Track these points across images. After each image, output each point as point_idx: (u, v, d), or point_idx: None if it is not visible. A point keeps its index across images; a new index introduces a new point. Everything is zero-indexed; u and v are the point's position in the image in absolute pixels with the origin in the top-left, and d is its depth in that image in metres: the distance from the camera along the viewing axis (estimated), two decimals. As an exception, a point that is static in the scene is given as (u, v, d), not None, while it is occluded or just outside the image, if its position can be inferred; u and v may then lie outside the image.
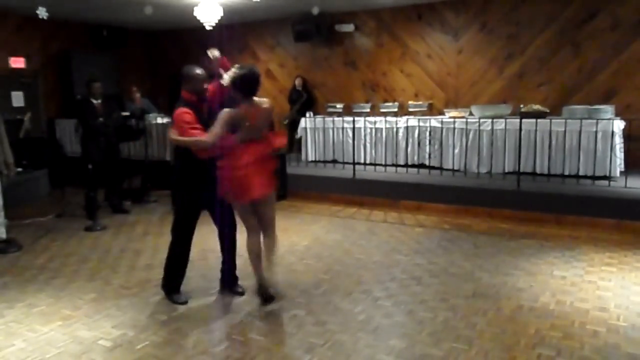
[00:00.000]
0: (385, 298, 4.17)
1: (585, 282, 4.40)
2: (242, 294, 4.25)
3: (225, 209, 4.14)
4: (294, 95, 10.08)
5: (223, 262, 4.32)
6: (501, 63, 8.72)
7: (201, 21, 8.21)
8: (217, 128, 3.67)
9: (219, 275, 4.41)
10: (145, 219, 7.00)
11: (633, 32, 7.71)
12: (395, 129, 8.20)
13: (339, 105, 9.33)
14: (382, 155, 8.37)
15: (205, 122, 3.86)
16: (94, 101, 6.88)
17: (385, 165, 8.20)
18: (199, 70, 4.07)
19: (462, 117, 7.73)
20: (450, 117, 7.82)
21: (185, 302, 4.09)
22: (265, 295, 3.93)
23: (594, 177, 6.68)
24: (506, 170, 7.33)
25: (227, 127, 3.70)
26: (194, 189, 4.05)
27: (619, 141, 6.87)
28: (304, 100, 9.98)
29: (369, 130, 8.39)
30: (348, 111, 9.25)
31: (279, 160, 5.05)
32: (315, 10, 9.40)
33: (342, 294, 4.27)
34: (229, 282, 4.31)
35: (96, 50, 10.92)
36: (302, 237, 5.77)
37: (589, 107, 7.16)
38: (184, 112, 3.87)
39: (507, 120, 7.31)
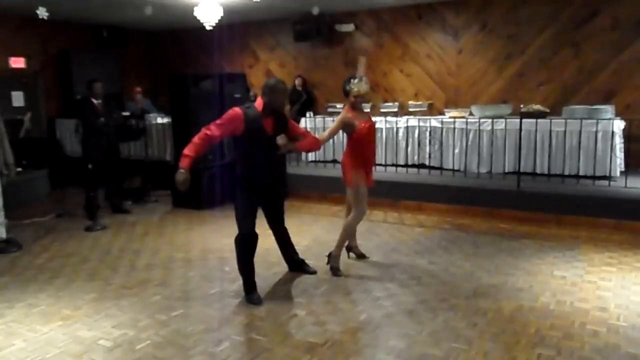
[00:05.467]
0: (385, 298, 4.17)
1: (585, 282, 4.40)
2: (314, 272, 4.70)
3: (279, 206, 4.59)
4: (294, 95, 10.08)
5: (286, 253, 4.73)
6: (501, 63, 8.71)
7: (201, 21, 8.21)
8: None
9: (219, 275, 4.41)
10: (145, 219, 7.00)
11: (633, 32, 7.71)
12: (395, 129, 8.20)
13: (339, 105, 9.30)
14: (382, 155, 8.35)
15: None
16: (95, 101, 6.89)
17: (385, 165, 8.19)
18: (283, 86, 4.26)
19: (462, 117, 7.73)
20: (451, 117, 7.82)
21: (259, 303, 4.09)
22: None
23: (594, 177, 6.67)
24: (506, 170, 7.33)
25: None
26: (253, 186, 4.18)
27: (619, 141, 6.87)
28: (304, 100, 9.98)
29: (369, 130, 8.37)
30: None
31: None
32: (315, 10, 9.40)
33: (342, 294, 4.27)
34: (298, 265, 4.74)
35: (96, 50, 10.92)
36: (302, 237, 5.77)
37: (589, 107, 7.15)
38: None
39: (507, 120, 7.30)
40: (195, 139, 3.97)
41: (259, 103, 4.11)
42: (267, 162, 4.16)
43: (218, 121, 4.01)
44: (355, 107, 4.61)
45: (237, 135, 4.04)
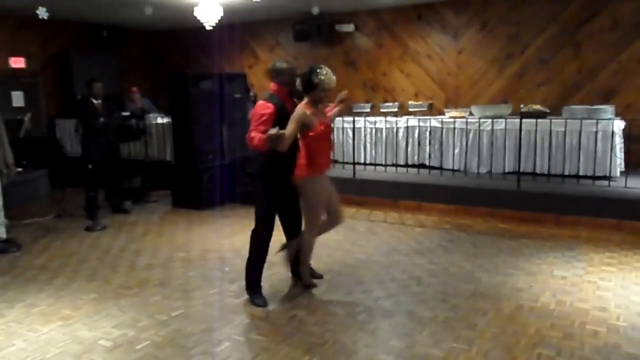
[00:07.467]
0: (385, 298, 4.17)
1: (585, 282, 4.40)
2: (321, 276, 4.54)
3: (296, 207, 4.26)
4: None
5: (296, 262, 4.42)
6: (501, 63, 8.71)
7: (201, 21, 8.21)
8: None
9: (219, 275, 4.40)
10: (145, 219, 7.01)
11: (633, 32, 7.71)
12: (395, 129, 8.19)
13: (339, 105, 9.32)
14: (382, 155, 8.37)
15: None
16: (95, 101, 6.89)
17: (385, 165, 8.19)
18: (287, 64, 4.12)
19: (462, 117, 7.73)
20: (450, 117, 7.82)
21: (265, 305, 4.04)
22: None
23: (594, 177, 6.67)
24: (506, 170, 7.33)
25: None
26: (277, 184, 4.03)
27: (619, 141, 6.87)
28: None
29: (369, 130, 8.39)
30: (348, 111, 9.25)
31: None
32: (315, 10, 9.39)
33: (342, 294, 4.27)
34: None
35: (96, 50, 10.91)
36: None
37: (589, 107, 7.15)
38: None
39: (507, 120, 7.30)
40: (254, 134, 3.82)
41: (280, 90, 4.04)
42: (292, 149, 4.01)
43: (258, 123, 3.83)
44: (321, 101, 4.08)
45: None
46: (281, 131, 3.63)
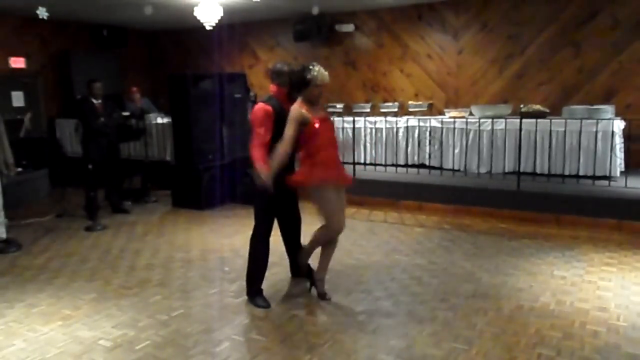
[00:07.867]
0: (385, 298, 4.17)
1: (585, 282, 4.40)
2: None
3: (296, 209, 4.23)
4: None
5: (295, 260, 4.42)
6: (501, 63, 8.71)
7: (201, 21, 8.21)
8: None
9: (219, 275, 4.40)
10: (145, 219, 7.00)
11: (633, 32, 7.70)
12: (395, 129, 8.20)
13: (339, 105, 9.32)
14: (382, 155, 8.37)
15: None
16: (95, 101, 6.89)
17: (385, 165, 8.19)
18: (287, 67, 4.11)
19: (462, 117, 7.73)
20: (450, 117, 7.82)
21: (268, 306, 4.03)
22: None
23: (594, 177, 6.67)
24: (506, 170, 7.33)
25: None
26: (275, 186, 3.96)
27: (619, 141, 6.87)
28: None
29: (369, 130, 8.39)
30: (348, 111, 9.24)
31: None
32: (315, 10, 9.39)
33: (342, 294, 4.27)
34: (307, 273, 4.39)
35: (96, 50, 10.91)
36: (302, 238, 5.76)
37: (589, 107, 7.16)
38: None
39: (507, 120, 7.30)
40: (257, 150, 3.83)
41: (279, 91, 4.03)
42: (292, 152, 3.95)
43: (259, 128, 3.85)
44: (316, 99, 3.96)
45: None
46: (268, 182, 3.73)
